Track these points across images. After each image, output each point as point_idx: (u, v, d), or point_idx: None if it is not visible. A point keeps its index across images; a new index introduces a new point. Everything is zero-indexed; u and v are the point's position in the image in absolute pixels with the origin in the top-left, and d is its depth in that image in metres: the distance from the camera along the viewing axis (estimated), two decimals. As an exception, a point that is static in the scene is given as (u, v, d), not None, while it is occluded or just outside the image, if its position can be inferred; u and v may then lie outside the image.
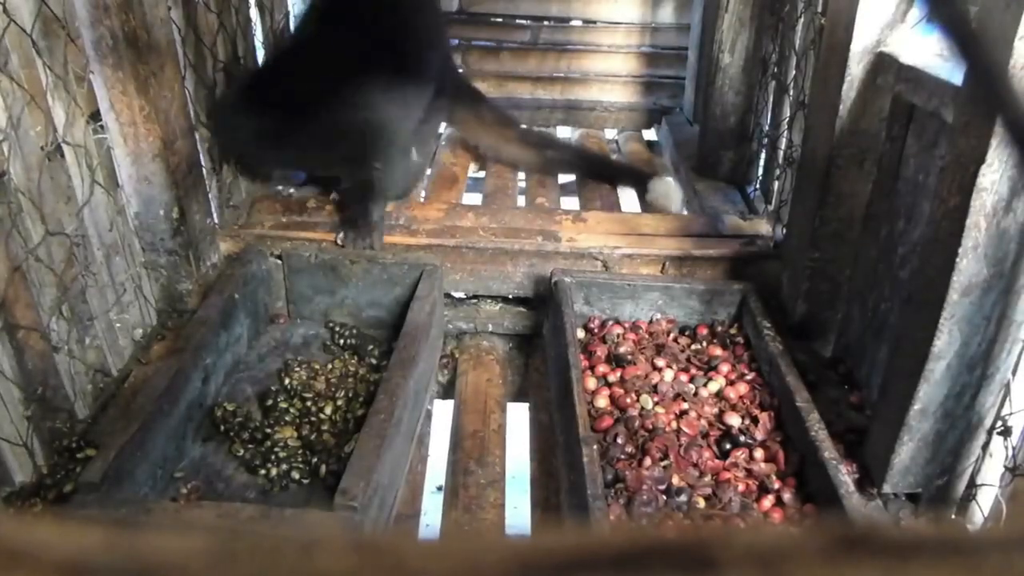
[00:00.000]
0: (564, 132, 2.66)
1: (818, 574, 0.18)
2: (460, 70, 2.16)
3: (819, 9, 1.58)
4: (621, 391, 1.35)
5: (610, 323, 1.54)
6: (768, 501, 1.18)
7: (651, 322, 1.56)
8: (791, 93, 1.76)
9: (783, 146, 1.81)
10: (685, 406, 1.33)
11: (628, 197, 2.15)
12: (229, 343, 1.42)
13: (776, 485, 1.20)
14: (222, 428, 1.29)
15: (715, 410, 1.34)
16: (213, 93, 1.69)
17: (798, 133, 1.67)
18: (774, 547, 0.18)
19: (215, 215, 1.67)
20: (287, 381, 1.39)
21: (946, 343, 1.06)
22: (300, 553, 0.16)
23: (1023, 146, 0.58)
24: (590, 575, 0.16)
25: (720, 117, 2.04)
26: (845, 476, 1.11)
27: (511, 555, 0.16)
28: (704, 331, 1.54)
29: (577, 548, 0.17)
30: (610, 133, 2.70)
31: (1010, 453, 1.08)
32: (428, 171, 2.18)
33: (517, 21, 2.71)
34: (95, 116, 1.34)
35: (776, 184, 1.87)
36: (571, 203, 2.16)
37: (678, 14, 2.67)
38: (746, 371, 1.41)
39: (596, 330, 1.54)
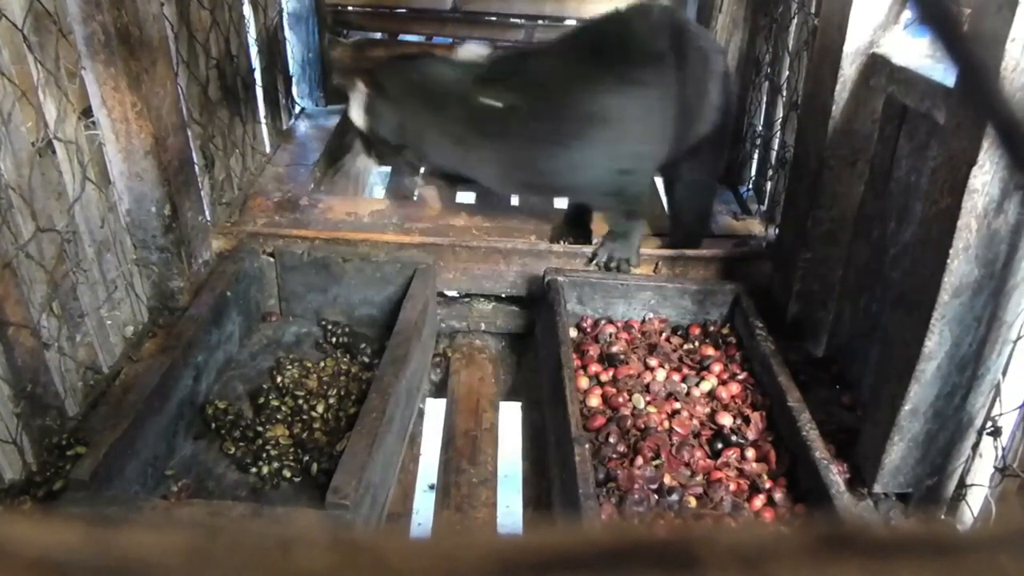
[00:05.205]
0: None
1: (802, 574, 0.18)
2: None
3: (812, 10, 1.58)
4: (613, 390, 1.35)
5: (603, 322, 1.54)
6: (759, 500, 1.18)
7: (644, 322, 1.56)
8: (784, 94, 1.77)
9: (776, 147, 1.81)
10: (677, 405, 1.33)
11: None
12: (221, 341, 1.42)
13: (767, 485, 1.20)
14: (213, 426, 1.28)
15: (707, 410, 1.34)
16: (205, 90, 1.69)
17: (791, 134, 1.67)
18: (757, 546, 0.18)
19: (207, 212, 1.66)
20: (279, 379, 1.39)
21: (937, 344, 1.06)
22: (279, 551, 0.16)
23: (1013, 148, 0.59)
24: (572, 574, 0.16)
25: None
26: (836, 476, 1.11)
27: (491, 553, 0.16)
28: (696, 331, 1.54)
29: (559, 546, 0.17)
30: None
31: (1000, 453, 1.08)
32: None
33: (511, 20, 2.70)
34: (87, 112, 1.33)
35: (769, 184, 1.87)
36: (565, 203, 2.16)
37: (673, 14, 2.66)
38: (738, 371, 1.42)
39: (589, 329, 1.54)
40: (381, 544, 0.16)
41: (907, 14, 1.27)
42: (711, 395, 1.38)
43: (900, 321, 1.16)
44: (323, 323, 1.57)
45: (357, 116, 1.63)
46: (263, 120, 2.10)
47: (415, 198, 2.02)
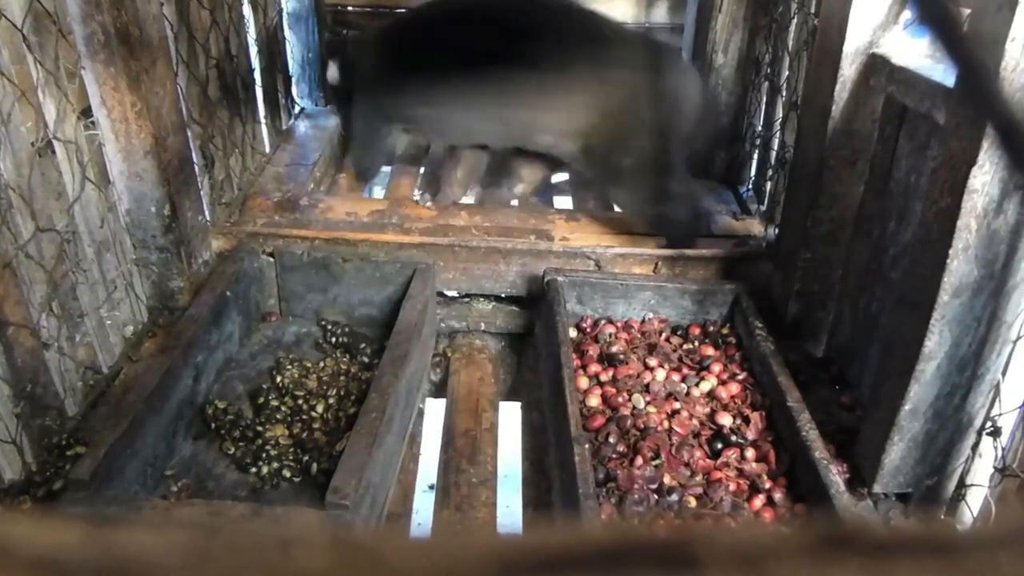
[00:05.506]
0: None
1: (801, 573, 0.18)
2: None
3: (812, 10, 1.59)
4: (613, 390, 1.35)
5: (602, 322, 1.54)
6: (759, 501, 1.18)
7: (643, 322, 1.56)
8: (784, 94, 1.76)
9: (776, 147, 1.81)
10: (677, 405, 1.33)
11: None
12: (220, 341, 1.42)
13: (767, 485, 1.20)
14: (213, 426, 1.28)
15: (707, 410, 1.34)
16: (205, 90, 1.69)
17: (791, 134, 1.67)
18: (757, 546, 0.18)
19: (207, 212, 1.66)
20: (279, 379, 1.39)
21: (937, 344, 1.06)
22: (278, 551, 0.16)
23: (1013, 148, 0.59)
24: (570, 574, 0.16)
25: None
26: (836, 476, 1.11)
27: (491, 553, 0.16)
28: (696, 331, 1.54)
29: (558, 546, 0.17)
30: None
31: (999, 454, 1.08)
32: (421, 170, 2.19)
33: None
34: (86, 112, 1.33)
35: (769, 185, 1.87)
36: (564, 202, 2.16)
37: (672, 15, 2.67)
38: (738, 371, 1.42)
39: (588, 329, 1.54)
40: (381, 544, 0.16)
41: (907, 14, 1.27)
42: (711, 395, 1.38)
43: (900, 321, 1.16)
44: (323, 323, 1.57)
45: (332, 75, 1.90)
46: (263, 120, 2.10)
47: (415, 198, 2.02)
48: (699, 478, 1.21)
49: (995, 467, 1.09)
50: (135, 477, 1.12)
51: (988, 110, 0.66)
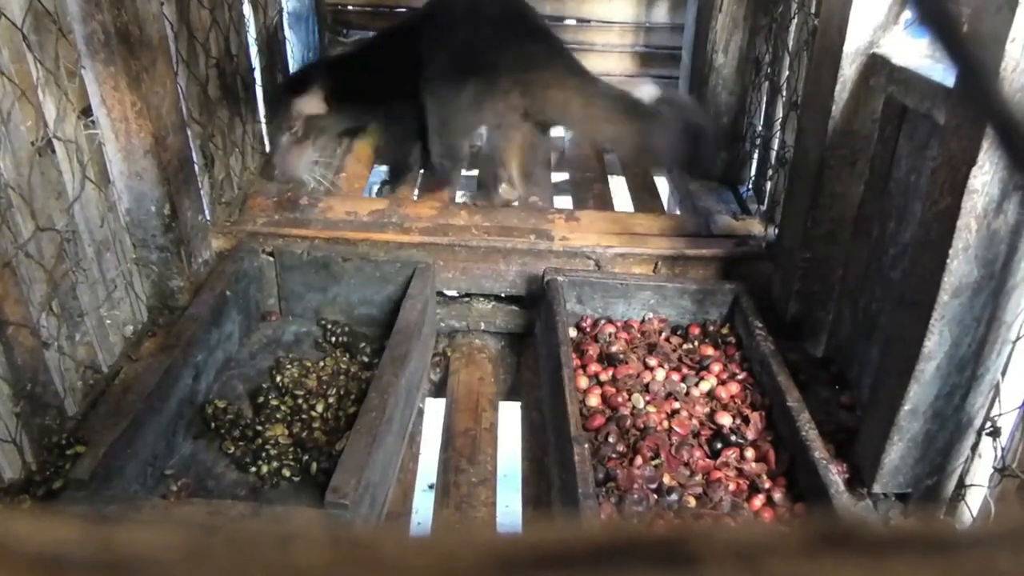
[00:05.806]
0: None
1: (799, 570, 0.18)
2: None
3: (812, 10, 1.59)
4: (613, 390, 1.35)
5: (602, 322, 1.54)
6: (759, 500, 1.18)
7: (643, 321, 1.56)
8: (784, 94, 1.76)
9: (776, 146, 1.81)
10: (676, 405, 1.33)
11: (621, 196, 2.16)
12: (220, 340, 1.42)
13: (767, 484, 1.20)
14: (213, 425, 1.28)
15: (706, 409, 1.34)
16: (205, 89, 1.69)
17: (791, 134, 1.67)
18: (755, 543, 0.18)
19: (207, 212, 1.66)
20: (278, 379, 1.39)
21: (936, 344, 1.06)
22: (277, 547, 0.16)
23: (1013, 148, 0.59)
24: (569, 570, 0.16)
25: (713, 117, 2.04)
26: (835, 476, 1.11)
27: (489, 550, 0.16)
28: (696, 331, 1.54)
29: (556, 543, 0.17)
30: (604, 133, 2.69)
31: (999, 454, 1.08)
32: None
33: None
34: (86, 111, 1.33)
35: (769, 184, 1.87)
36: (564, 202, 2.16)
37: (672, 14, 2.67)
38: (737, 371, 1.42)
39: (588, 329, 1.54)
40: (379, 541, 0.17)
41: (907, 14, 1.27)
42: (710, 395, 1.38)
43: (900, 321, 1.16)
44: (323, 322, 1.57)
45: (316, 106, 1.92)
46: (263, 120, 2.10)
47: (413, 198, 2.02)
48: (699, 478, 1.21)
49: (995, 467, 1.09)
50: (135, 476, 1.12)
51: (988, 110, 0.66)
